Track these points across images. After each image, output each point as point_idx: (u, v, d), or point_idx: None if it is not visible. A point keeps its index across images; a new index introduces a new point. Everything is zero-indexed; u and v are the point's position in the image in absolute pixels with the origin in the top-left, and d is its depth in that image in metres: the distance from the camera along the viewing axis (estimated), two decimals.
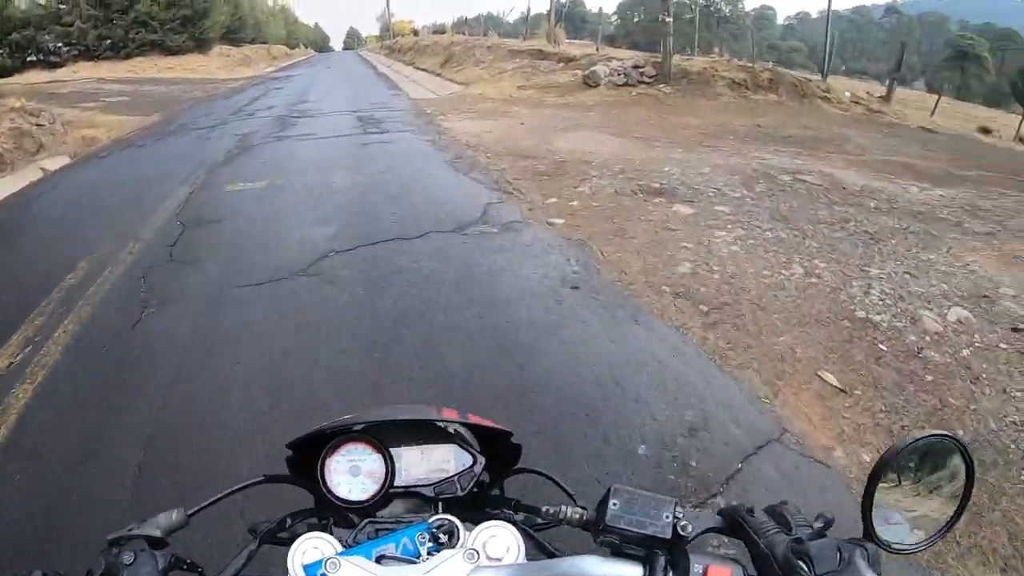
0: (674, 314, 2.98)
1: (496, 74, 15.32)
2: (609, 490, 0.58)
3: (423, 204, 4.91)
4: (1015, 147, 9.79)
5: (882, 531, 0.58)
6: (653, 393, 2.28)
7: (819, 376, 2.63)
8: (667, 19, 11.05)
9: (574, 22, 38.86)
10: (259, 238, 4.28)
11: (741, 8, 51.91)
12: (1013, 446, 2.46)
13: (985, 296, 3.52)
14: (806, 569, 0.50)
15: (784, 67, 14.44)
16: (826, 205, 4.99)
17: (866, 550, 0.53)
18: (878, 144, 8.19)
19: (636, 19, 49.51)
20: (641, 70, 12.21)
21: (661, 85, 11.71)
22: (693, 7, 29.09)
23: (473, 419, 0.72)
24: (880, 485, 0.58)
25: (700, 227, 4.33)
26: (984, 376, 2.81)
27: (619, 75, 12.24)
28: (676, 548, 0.56)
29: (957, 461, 0.61)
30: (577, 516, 0.60)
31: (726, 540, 0.62)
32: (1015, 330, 3.22)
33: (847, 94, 10.56)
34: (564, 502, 0.63)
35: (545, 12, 23.65)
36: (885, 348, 2.89)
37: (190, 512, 0.63)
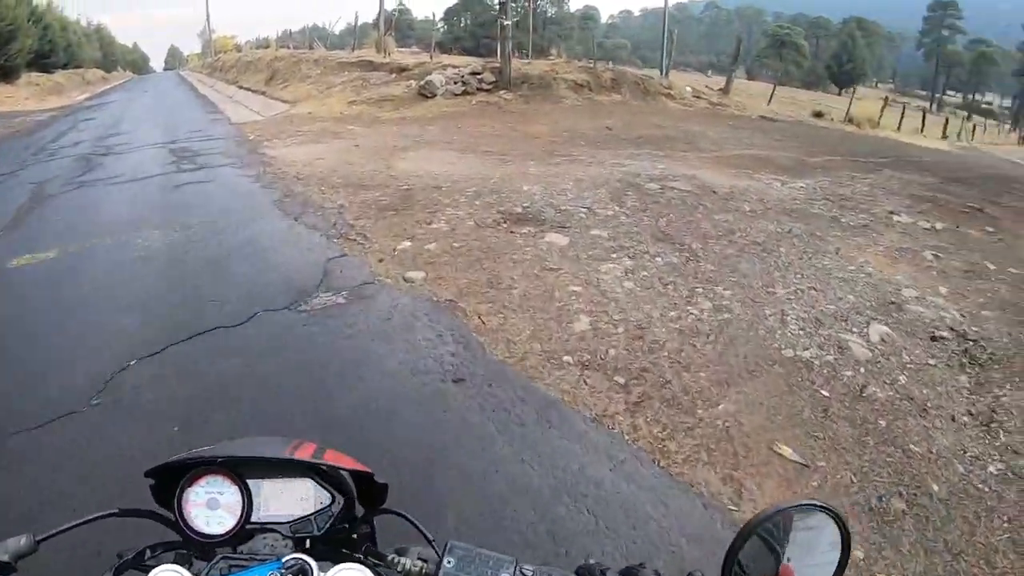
0: (588, 397, 2.45)
1: (325, 89, 14.34)
2: (446, 546, 0.61)
3: (248, 269, 3.97)
4: (845, 128, 10.88)
5: None
6: (604, 541, 1.71)
7: (775, 451, 2.25)
8: (505, 22, 10.85)
9: (402, 30, 38.27)
10: (40, 341, 3.11)
11: (566, 8, 54.59)
12: (986, 488, 2.27)
13: (892, 303, 3.46)
14: None
15: (611, 64, 15.00)
16: (704, 215, 4.84)
17: None
18: (728, 138, 8.54)
19: (463, 24, 50.01)
20: (480, 77, 11.93)
21: (502, 92, 11.50)
22: (520, 9, 29.89)
23: (330, 458, 0.70)
24: (752, 555, 0.57)
25: (582, 261, 3.90)
26: (929, 405, 2.64)
27: (457, 83, 11.86)
28: None
29: (833, 529, 0.59)
30: (416, 568, 0.62)
31: None
32: (933, 339, 3.14)
33: (688, 89, 11.07)
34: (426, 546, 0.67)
35: (372, 21, 22.93)
36: (827, 393, 2.60)
37: (39, 538, 0.64)
